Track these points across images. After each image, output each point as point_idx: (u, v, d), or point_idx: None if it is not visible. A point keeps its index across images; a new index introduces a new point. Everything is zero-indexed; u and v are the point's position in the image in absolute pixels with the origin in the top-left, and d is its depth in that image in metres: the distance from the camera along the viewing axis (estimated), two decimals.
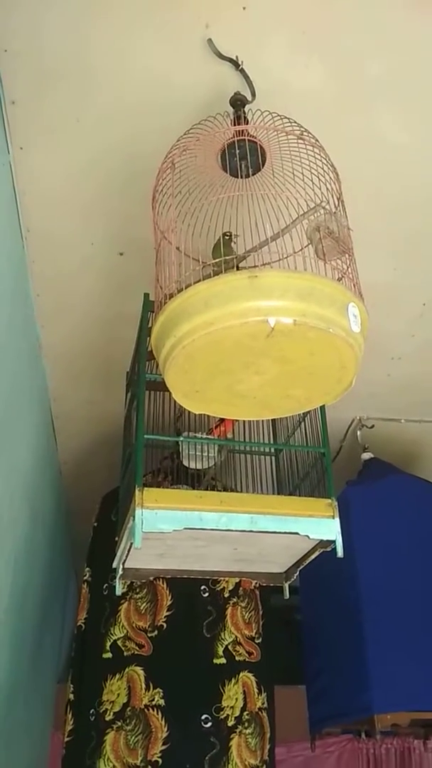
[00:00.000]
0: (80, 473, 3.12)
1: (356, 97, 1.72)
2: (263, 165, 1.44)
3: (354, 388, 1.41)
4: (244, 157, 1.41)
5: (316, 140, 1.38)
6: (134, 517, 1.50)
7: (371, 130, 1.79)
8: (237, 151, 1.41)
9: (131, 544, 1.54)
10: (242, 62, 1.60)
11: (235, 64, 1.61)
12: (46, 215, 1.96)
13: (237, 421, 1.88)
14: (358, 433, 2.90)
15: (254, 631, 2.33)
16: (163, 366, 1.27)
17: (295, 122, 1.39)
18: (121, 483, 1.90)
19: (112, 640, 2.22)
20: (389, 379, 2.68)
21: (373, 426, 2.89)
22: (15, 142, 1.76)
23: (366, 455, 2.84)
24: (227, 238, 1.52)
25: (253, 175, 1.44)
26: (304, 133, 1.37)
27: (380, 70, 1.66)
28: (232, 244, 1.53)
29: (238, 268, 1.41)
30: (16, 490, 2.13)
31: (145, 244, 1.73)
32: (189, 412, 1.63)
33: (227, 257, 1.30)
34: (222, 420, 1.79)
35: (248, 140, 1.40)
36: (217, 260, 1.25)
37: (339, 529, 1.61)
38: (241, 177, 1.41)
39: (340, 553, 1.61)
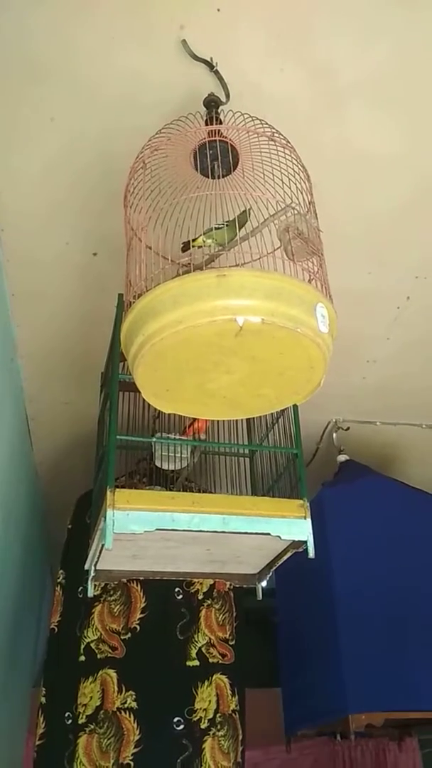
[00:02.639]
0: (56, 474, 3.10)
1: (330, 102, 1.73)
2: (235, 166, 1.45)
3: (330, 390, 1.41)
4: (216, 158, 1.41)
5: (287, 141, 1.39)
6: (105, 518, 1.49)
7: (345, 134, 1.80)
8: (209, 152, 1.41)
9: (103, 545, 1.54)
10: (217, 64, 1.61)
11: (210, 65, 1.61)
12: (21, 214, 1.95)
13: (213, 422, 1.88)
14: (334, 435, 2.92)
15: (228, 633, 2.33)
16: (132, 364, 1.27)
17: (267, 123, 1.40)
18: (94, 484, 1.89)
19: (85, 643, 2.21)
20: (365, 382, 2.70)
21: (348, 428, 2.91)
22: None
23: (342, 457, 2.86)
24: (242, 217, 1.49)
25: (225, 175, 1.44)
26: (275, 134, 1.37)
27: (354, 74, 1.68)
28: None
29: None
30: None
31: (119, 244, 1.72)
32: (167, 413, 1.62)
33: (196, 263, 1.30)
34: (194, 419, 1.79)
35: (220, 141, 1.41)
36: (185, 259, 1.25)
37: (311, 530, 1.61)
38: (213, 177, 1.41)
39: (311, 553, 1.61)
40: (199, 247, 1.44)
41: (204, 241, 1.44)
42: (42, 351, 2.43)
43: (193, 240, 1.45)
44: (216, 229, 1.45)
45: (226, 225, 1.46)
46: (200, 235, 1.47)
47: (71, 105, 1.70)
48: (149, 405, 1.80)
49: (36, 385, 2.59)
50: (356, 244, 2.10)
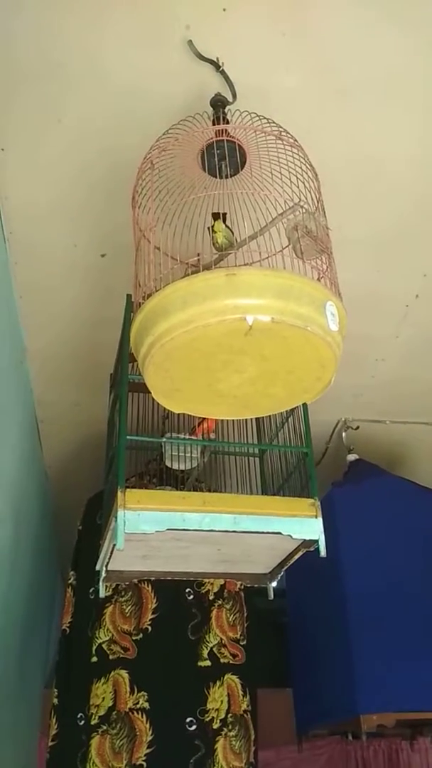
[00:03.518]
0: (66, 476, 3.11)
1: (338, 100, 1.73)
2: (243, 165, 1.45)
3: (339, 390, 1.41)
4: (223, 158, 1.41)
5: (295, 140, 1.39)
6: (116, 518, 1.49)
7: (352, 132, 1.80)
8: (216, 152, 1.41)
9: (114, 545, 1.54)
10: (223, 63, 1.61)
11: (216, 65, 1.61)
12: (29, 217, 1.96)
13: (222, 422, 1.88)
14: (344, 434, 2.91)
15: (239, 633, 2.33)
16: (142, 365, 1.27)
17: (274, 122, 1.40)
18: (105, 485, 1.90)
19: (97, 644, 2.21)
20: (374, 381, 2.69)
21: (358, 427, 2.90)
22: None
23: (351, 456, 2.85)
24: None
25: (232, 175, 1.44)
26: (283, 133, 1.37)
27: (362, 72, 1.67)
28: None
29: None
30: (0, 493, 2.12)
31: (127, 246, 1.73)
32: (176, 413, 1.62)
33: (205, 263, 1.29)
34: (204, 418, 1.79)
35: (228, 140, 1.41)
36: (193, 259, 1.25)
37: (322, 529, 1.61)
38: (221, 177, 1.41)
39: (323, 552, 1.61)
40: (215, 232, 1.43)
41: (221, 235, 1.43)
42: (50, 353, 2.44)
43: (218, 221, 1.44)
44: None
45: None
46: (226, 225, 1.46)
47: (77, 106, 1.70)
48: (158, 405, 1.81)
49: (45, 387, 2.59)
50: (364, 243, 2.10)
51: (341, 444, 2.92)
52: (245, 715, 2.22)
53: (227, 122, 1.46)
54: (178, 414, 1.77)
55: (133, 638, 2.20)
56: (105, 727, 2.07)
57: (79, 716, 2.17)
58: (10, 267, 2.07)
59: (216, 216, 1.45)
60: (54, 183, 1.88)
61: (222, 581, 2.35)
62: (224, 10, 1.55)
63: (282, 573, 1.87)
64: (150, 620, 2.23)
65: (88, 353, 2.44)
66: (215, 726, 2.12)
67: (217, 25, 1.58)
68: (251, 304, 1.12)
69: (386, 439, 3.03)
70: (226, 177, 1.42)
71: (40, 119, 1.73)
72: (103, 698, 2.13)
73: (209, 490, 2.14)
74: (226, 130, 1.42)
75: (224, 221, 1.45)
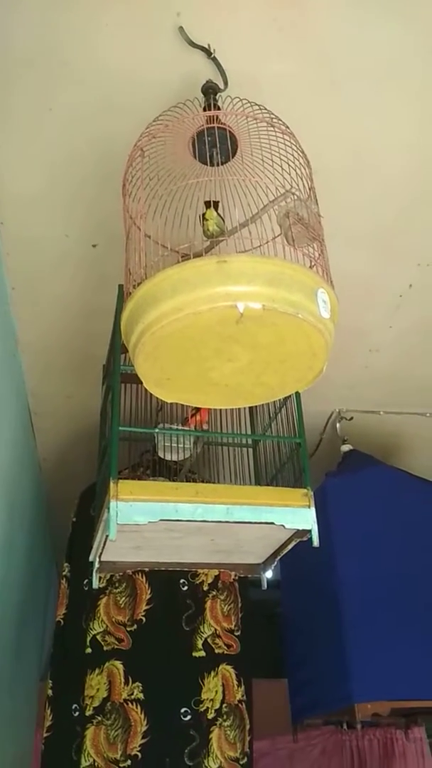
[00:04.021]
0: (59, 468, 3.10)
1: (331, 87, 1.71)
2: (234, 153, 1.44)
3: (333, 380, 1.40)
4: (215, 145, 1.40)
5: (287, 127, 1.38)
6: (109, 509, 1.49)
7: (346, 119, 1.79)
8: (208, 139, 1.40)
9: (107, 536, 1.53)
10: (214, 50, 1.59)
11: (207, 52, 1.60)
12: (20, 207, 1.94)
13: (215, 412, 1.87)
14: (338, 425, 2.91)
15: (233, 623, 2.33)
16: (132, 353, 1.26)
17: (266, 109, 1.39)
18: (97, 476, 1.89)
19: (91, 635, 2.21)
20: (367, 371, 2.69)
21: (352, 418, 2.90)
22: None
23: (345, 447, 2.85)
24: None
25: (224, 162, 1.43)
26: (274, 120, 1.36)
27: (356, 59, 1.66)
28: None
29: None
30: None
31: (118, 235, 1.72)
32: (170, 404, 1.62)
33: (196, 250, 1.29)
34: (197, 409, 1.79)
35: (219, 128, 1.39)
36: (184, 246, 1.24)
37: (315, 519, 1.61)
38: (212, 165, 1.40)
39: (316, 542, 1.61)
40: (206, 220, 1.42)
41: (212, 223, 1.42)
42: (43, 345, 2.43)
43: (210, 209, 1.42)
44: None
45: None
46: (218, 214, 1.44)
47: (67, 93, 1.68)
48: (152, 397, 1.80)
49: (38, 379, 2.58)
50: (358, 232, 2.09)
51: (335, 435, 2.93)
52: (240, 705, 2.22)
53: (219, 109, 1.44)
54: (172, 405, 1.77)
55: (128, 629, 2.20)
56: (100, 718, 2.08)
57: (73, 707, 2.17)
58: (1, 258, 2.06)
59: (208, 204, 1.44)
60: (45, 172, 1.86)
61: (216, 572, 2.35)
62: None
63: (275, 563, 1.88)
64: (144, 611, 2.23)
65: (81, 344, 2.43)
66: (210, 716, 2.12)
67: (208, 12, 1.56)
68: (242, 291, 1.12)
69: (380, 430, 3.03)
70: (218, 164, 1.41)
71: (30, 108, 1.71)
72: (98, 689, 2.13)
73: (202, 481, 2.14)
74: (217, 117, 1.40)
75: (216, 209, 1.44)
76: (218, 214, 1.45)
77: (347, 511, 2.50)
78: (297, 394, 1.69)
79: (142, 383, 1.43)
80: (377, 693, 2.22)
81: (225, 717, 2.15)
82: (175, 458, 1.91)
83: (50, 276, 2.17)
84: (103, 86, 1.68)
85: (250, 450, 2.01)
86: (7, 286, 2.16)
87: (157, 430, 1.87)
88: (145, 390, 1.66)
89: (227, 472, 1.97)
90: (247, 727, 2.22)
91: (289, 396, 1.71)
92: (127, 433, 1.79)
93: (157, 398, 1.57)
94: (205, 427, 1.83)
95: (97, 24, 1.57)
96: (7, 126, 1.74)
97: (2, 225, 1.98)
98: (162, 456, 1.91)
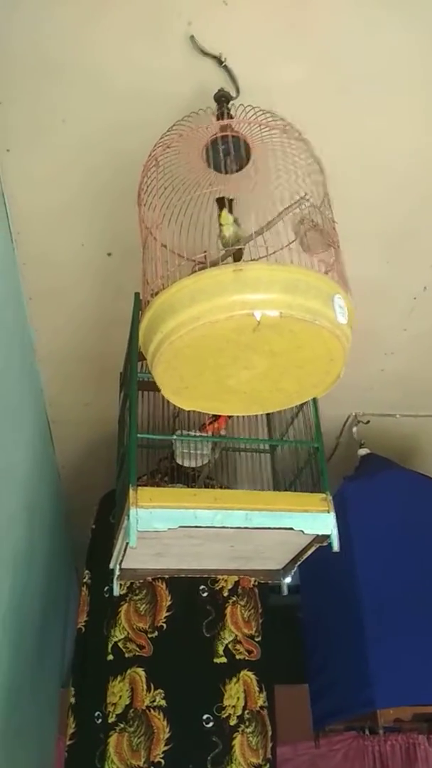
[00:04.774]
0: (78, 476, 3.12)
1: (342, 92, 1.72)
2: (248, 160, 1.44)
3: (348, 384, 1.40)
4: (228, 153, 1.40)
5: (300, 133, 1.38)
6: (129, 516, 1.50)
7: (358, 124, 1.79)
8: (221, 147, 1.40)
9: (127, 543, 1.54)
10: (225, 59, 1.60)
11: (219, 60, 1.61)
12: (36, 218, 1.96)
13: (233, 418, 1.88)
14: (354, 429, 2.90)
15: (254, 629, 2.33)
16: (151, 362, 1.27)
17: (279, 117, 1.39)
18: (116, 484, 1.90)
19: (113, 642, 2.22)
20: (383, 375, 2.68)
21: (368, 422, 2.89)
22: (2, 145, 1.77)
23: (362, 451, 2.84)
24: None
25: (238, 170, 1.44)
26: (287, 127, 1.37)
27: (367, 63, 1.66)
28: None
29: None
30: (13, 494, 2.13)
31: (133, 244, 1.73)
32: (186, 411, 1.62)
33: (212, 259, 1.29)
34: (216, 417, 1.79)
35: (232, 135, 1.40)
36: (200, 256, 1.25)
37: (334, 524, 1.61)
38: (226, 173, 1.41)
39: (336, 547, 1.60)
40: (222, 224, 1.42)
41: (228, 227, 1.42)
42: (60, 354, 2.45)
43: (225, 209, 1.43)
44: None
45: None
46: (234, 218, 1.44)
47: (82, 104, 1.70)
48: (168, 404, 1.81)
49: (55, 388, 2.60)
50: (371, 236, 2.09)
51: (352, 439, 2.92)
52: (262, 711, 2.22)
53: (231, 117, 1.45)
54: (188, 412, 1.78)
55: (149, 636, 2.21)
56: (122, 725, 2.08)
57: (96, 715, 2.18)
58: (18, 268, 2.08)
59: (221, 204, 1.44)
60: (60, 182, 1.88)
61: (236, 578, 2.35)
62: (225, 3, 1.55)
63: (295, 568, 1.87)
64: (165, 618, 2.23)
65: (98, 353, 2.44)
66: (232, 722, 2.12)
67: (218, 20, 1.57)
68: (259, 300, 1.12)
69: (397, 433, 3.02)
70: (232, 172, 1.42)
71: (44, 120, 1.73)
72: (120, 696, 2.13)
73: (220, 487, 2.14)
74: (230, 125, 1.41)
75: (230, 209, 1.44)
76: (233, 216, 1.45)
77: (366, 515, 2.49)
78: (314, 399, 1.69)
79: (158, 390, 1.44)
80: (399, 698, 2.21)
81: (247, 723, 2.14)
82: (193, 465, 1.92)
83: (67, 286, 2.18)
84: (115, 96, 1.69)
85: (268, 455, 2.01)
86: (24, 297, 2.18)
87: (175, 437, 1.87)
88: (162, 397, 1.67)
89: (245, 478, 1.97)
90: (269, 733, 2.21)
91: (306, 401, 1.71)
92: (144, 440, 1.80)
93: (173, 405, 1.58)
94: (222, 433, 1.84)
95: (109, 34, 1.58)
96: (22, 138, 1.76)
97: (19, 235, 2.00)
98: (180, 463, 1.92)
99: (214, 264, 1.25)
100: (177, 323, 1.16)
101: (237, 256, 1.39)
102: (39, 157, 1.81)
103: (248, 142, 1.43)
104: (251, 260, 1.32)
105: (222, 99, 1.51)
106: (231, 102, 1.53)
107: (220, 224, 1.43)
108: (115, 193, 1.89)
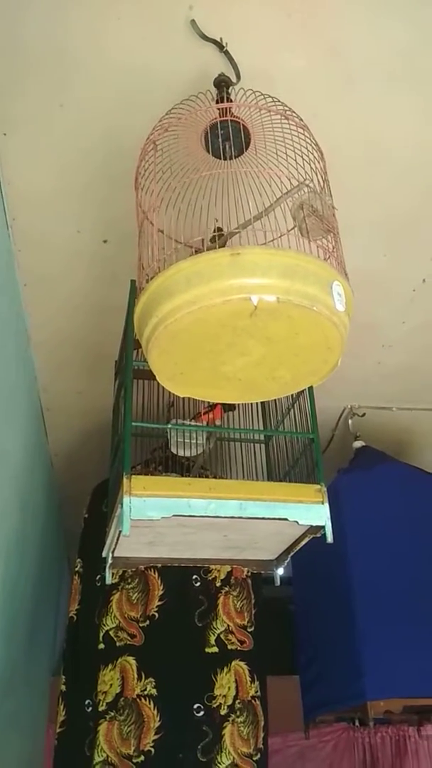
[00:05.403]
0: (71, 464, 3.11)
1: (344, 81, 1.70)
2: (247, 146, 1.43)
3: (345, 376, 1.39)
4: (227, 138, 1.39)
5: (300, 119, 1.37)
6: (122, 504, 1.49)
7: (360, 114, 1.78)
8: (220, 132, 1.39)
9: (120, 532, 1.53)
10: (226, 44, 1.59)
11: (220, 45, 1.59)
12: (32, 204, 1.94)
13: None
14: (350, 421, 2.90)
15: (246, 620, 2.33)
16: (146, 347, 1.25)
17: (279, 101, 1.38)
18: (110, 472, 1.89)
19: (104, 631, 2.21)
20: (380, 367, 2.67)
21: (364, 414, 2.89)
22: None
23: (357, 443, 2.84)
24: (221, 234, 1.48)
25: (237, 156, 1.42)
26: (288, 112, 1.35)
27: (369, 52, 1.65)
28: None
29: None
30: (5, 482, 2.11)
31: (129, 230, 1.71)
32: (181, 400, 1.61)
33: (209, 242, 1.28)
34: (212, 407, 1.78)
35: (232, 120, 1.39)
36: (198, 238, 1.23)
37: (328, 515, 1.60)
38: (225, 158, 1.39)
39: (329, 538, 1.60)
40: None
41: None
42: (55, 341, 2.43)
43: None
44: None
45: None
46: None
47: (79, 88, 1.68)
48: (164, 393, 1.80)
49: (49, 375, 2.59)
50: (371, 227, 2.08)
51: (347, 431, 2.91)
52: (254, 701, 2.22)
53: (231, 102, 1.43)
54: (183, 401, 1.76)
55: (140, 625, 2.20)
56: (113, 714, 2.08)
57: (86, 703, 2.17)
58: (13, 254, 2.06)
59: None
60: (57, 168, 1.86)
61: (229, 568, 2.35)
62: None
63: (288, 559, 1.87)
64: (157, 607, 2.23)
65: (93, 341, 2.43)
66: (223, 712, 2.12)
67: (220, 5, 1.55)
68: (256, 284, 1.11)
69: (393, 426, 3.02)
70: (231, 158, 1.41)
71: (41, 103, 1.71)
72: (111, 685, 2.13)
73: (215, 477, 2.13)
74: (230, 110, 1.40)
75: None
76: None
77: (360, 508, 2.49)
78: (310, 388, 1.68)
79: (154, 379, 1.43)
80: (390, 690, 2.21)
81: (238, 713, 2.14)
82: (188, 454, 1.90)
83: (62, 273, 2.17)
84: (114, 81, 1.67)
85: (263, 446, 2.00)
86: (19, 283, 2.17)
87: (170, 426, 1.86)
88: (157, 386, 1.66)
89: (240, 468, 1.96)
90: (262, 723, 2.21)
91: (302, 391, 1.70)
92: (139, 429, 1.79)
93: (168, 394, 1.56)
94: (217, 422, 1.83)
95: (109, 18, 1.56)
96: (19, 122, 1.74)
97: (14, 221, 1.98)
98: (175, 452, 1.91)
99: (211, 248, 1.23)
100: (173, 307, 1.15)
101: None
102: (36, 142, 1.79)
103: (247, 127, 1.41)
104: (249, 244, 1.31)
105: (222, 84, 1.50)
106: (231, 87, 1.51)
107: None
108: (111, 180, 1.88)
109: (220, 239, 1.34)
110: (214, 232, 1.45)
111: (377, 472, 2.63)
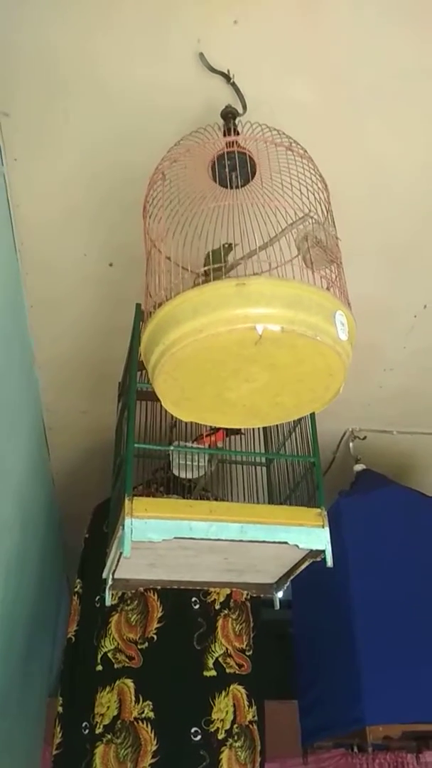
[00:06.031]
0: (73, 483, 3.11)
1: (346, 110, 1.74)
2: (253, 176, 1.46)
3: (346, 399, 1.41)
4: (234, 168, 1.42)
5: (305, 151, 1.40)
6: (124, 526, 1.50)
7: (361, 142, 1.81)
8: (227, 162, 1.42)
9: (121, 553, 1.54)
10: (234, 76, 1.62)
11: (227, 77, 1.63)
12: (40, 227, 1.98)
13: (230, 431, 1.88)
14: (351, 444, 2.91)
15: (245, 643, 2.32)
16: (152, 373, 1.27)
17: (284, 134, 1.41)
18: (112, 493, 1.90)
19: (102, 653, 2.21)
20: (381, 391, 2.69)
21: (365, 437, 2.90)
22: (9, 154, 1.78)
23: (358, 467, 2.84)
24: (227, 247, 1.51)
25: (243, 185, 1.46)
26: (293, 144, 1.38)
27: (370, 81, 1.69)
28: (230, 254, 1.52)
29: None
30: (8, 500, 2.12)
31: (135, 254, 1.74)
32: (183, 422, 1.63)
33: (216, 266, 1.31)
34: (215, 430, 1.80)
35: (238, 151, 1.42)
36: (206, 268, 1.26)
37: (329, 539, 1.61)
38: (232, 188, 1.42)
39: (329, 562, 1.61)
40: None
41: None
42: (59, 361, 2.45)
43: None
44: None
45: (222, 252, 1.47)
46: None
47: (89, 118, 1.72)
48: (166, 414, 1.82)
49: (53, 394, 2.60)
50: (372, 253, 2.10)
51: (348, 454, 2.92)
52: (251, 725, 2.21)
53: (238, 133, 1.47)
54: (185, 423, 1.78)
55: (139, 647, 2.20)
56: (110, 737, 2.07)
57: (83, 725, 2.16)
58: (21, 277, 2.09)
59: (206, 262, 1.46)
60: (65, 193, 1.89)
61: (228, 591, 2.35)
62: (235, 22, 1.57)
63: (288, 583, 1.87)
64: (156, 629, 2.22)
65: (97, 362, 2.45)
66: (220, 736, 2.11)
67: (228, 38, 1.59)
68: (261, 314, 1.13)
69: (394, 450, 3.03)
70: (237, 187, 1.44)
71: (52, 131, 1.75)
72: (108, 707, 2.12)
73: (216, 499, 2.14)
74: (236, 141, 1.43)
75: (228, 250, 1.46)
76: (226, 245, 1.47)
77: (360, 532, 2.49)
78: (312, 413, 1.70)
79: (157, 400, 1.45)
80: (389, 716, 2.20)
81: (236, 738, 2.13)
82: (189, 476, 1.92)
83: (68, 295, 2.19)
84: (123, 109, 1.71)
85: (264, 468, 2.01)
86: (26, 305, 2.19)
87: (172, 448, 1.88)
88: (159, 407, 1.67)
89: (241, 490, 1.97)
90: (259, 748, 2.20)
91: (305, 416, 1.72)
92: (141, 450, 1.80)
93: (170, 415, 1.58)
94: (219, 445, 1.84)
95: (119, 49, 1.60)
96: (30, 147, 1.78)
97: (22, 245, 2.01)
98: (177, 474, 1.92)
99: (217, 277, 1.25)
100: (179, 335, 1.17)
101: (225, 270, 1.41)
102: (45, 167, 1.82)
103: (254, 158, 1.45)
104: (254, 274, 1.33)
105: (229, 115, 1.53)
106: (238, 118, 1.55)
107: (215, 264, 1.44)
108: (118, 205, 1.91)
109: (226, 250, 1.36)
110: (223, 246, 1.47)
111: (378, 495, 2.63)
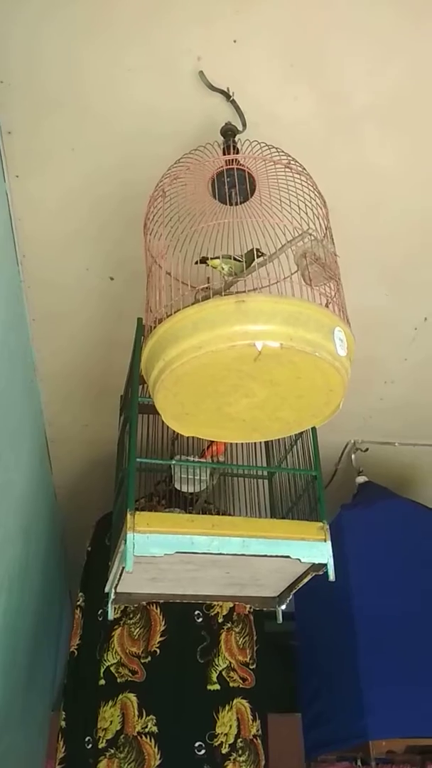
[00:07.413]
0: (76, 497, 3.12)
1: (345, 126, 1.76)
2: (252, 193, 1.47)
3: (348, 411, 1.42)
4: (233, 185, 1.44)
5: (303, 168, 1.42)
6: (126, 540, 1.50)
7: (360, 158, 1.83)
8: (227, 180, 1.44)
9: (123, 568, 1.54)
10: (233, 93, 1.64)
11: (227, 95, 1.65)
12: (42, 242, 1.99)
13: (231, 444, 1.88)
14: (353, 456, 2.91)
15: (248, 656, 2.31)
16: (152, 389, 1.28)
17: (283, 151, 1.43)
18: (114, 507, 1.90)
19: (105, 667, 2.20)
20: (383, 403, 2.70)
21: (367, 449, 2.90)
22: (11, 171, 1.80)
23: (360, 479, 2.84)
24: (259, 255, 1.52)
25: (242, 202, 1.47)
26: (291, 162, 1.40)
27: (368, 97, 1.70)
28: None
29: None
30: (10, 513, 2.13)
31: (136, 269, 1.76)
32: (185, 436, 1.63)
33: (215, 289, 1.32)
34: (213, 441, 1.80)
35: (237, 169, 1.43)
36: (205, 285, 1.27)
37: (331, 552, 1.61)
38: (231, 204, 1.44)
39: (332, 576, 1.61)
40: (213, 267, 1.46)
41: (221, 267, 1.46)
42: (61, 374, 2.47)
43: (210, 259, 1.47)
44: (235, 260, 1.47)
45: (244, 259, 1.48)
46: (218, 257, 1.49)
47: (91, 135, 1.74)
48: (167, 427, 1.82)
49: (55, 407, 2.61)
50: (373, 266, 2.12)
51: (350, 466, 2.92)
52: (255, 739, 2.20)
53: (237, 151, 1.48)
54: (187, 436, 1.78)
55: (142, 661, 2.19)
56: (113, 751, 2.06)
57: (86, 739, 2.15)
58: (23, 290, 2.11)
59: (204, 260, 1.48)
60: (67, 209, 1.91)
61: (231, 604, 2.34)
62: (234, 41, 1.59)
63: (291, 596, 1.87)
64: (158, 643, 2.22)
65: (99, 375, 2.46)
66: (224, 751, 2.10)
67: (227, 56, 1.61)
68: (260, 330, 1.14)
69: (395, 462, 3.02)
70: (236, 204, 1.45)
71: (54, 147, 1.77)
72: (111, 722, 2.11)
73: (218, 513, 2.14)
74: (236, 159, 1.44)
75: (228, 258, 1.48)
76: (235, 258, 1.48)
77: (362, 544, 2.49)
78: (313, 427, 1.70)
79: (158, 414, 1.45)
80: (393, 730, 2.19)
81: (240, 752, 2.12)
82: (191, 490, 1.92)
83: (70, 308, 2.21)
84: (123, 126, 1.73)
85: (266, 482, 2.02)
86: (28, 319, 2.21)
87: (174, 462, 1.88)
88: (161, 420, 1.68)
89: (242, 504, 1.98)
90: (262, 762, 2.19)
91: (305, 430, 1.72)
92: (143, 464, 1.81)
93: (172, 429, 1.58)
94: (221, 458, 1.85)
95: (120, 67, 1.62)
96: (33, 163, 1.80)
97: (24, 258, 2.03)
98: (179, 488, 1.93)
99: (216, 293, 1.27)
100: (179, 351, 1.18)
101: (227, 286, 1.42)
102: (47, 183, 1.84)
103: (253, 175, 1.46)
104: (253, 290, 1.35)
105: (228, 133, 1.55)
106: (237, 136, 1.56)
107: (213, 267, 1.46)
108: (120, 220, 1.93)
109: (224, 285, 1.37)
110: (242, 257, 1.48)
111: (380, 508, 2.63)
